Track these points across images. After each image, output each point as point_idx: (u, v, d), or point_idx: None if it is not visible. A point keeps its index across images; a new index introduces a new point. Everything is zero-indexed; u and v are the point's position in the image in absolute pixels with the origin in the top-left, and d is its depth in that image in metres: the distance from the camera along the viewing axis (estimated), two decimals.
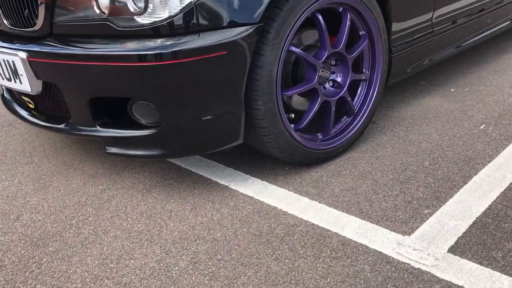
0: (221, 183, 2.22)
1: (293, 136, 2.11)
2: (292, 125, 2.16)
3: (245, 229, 1.89)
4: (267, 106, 1.97)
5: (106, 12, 1.86)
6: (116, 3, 1.85)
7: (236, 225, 1.91)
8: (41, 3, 1.99)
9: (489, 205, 1.90)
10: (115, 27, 1.84)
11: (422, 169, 2.19)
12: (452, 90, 2.99)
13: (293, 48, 2.03)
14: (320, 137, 2.29)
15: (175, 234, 1.89)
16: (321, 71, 2.17)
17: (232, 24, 1.81)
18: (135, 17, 1.83)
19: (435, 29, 2.69)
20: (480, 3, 2.98)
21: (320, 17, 2.05)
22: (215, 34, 1.80)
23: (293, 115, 2.16)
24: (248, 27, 1.82)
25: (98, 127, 2.03)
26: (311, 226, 1.87)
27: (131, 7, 1.82)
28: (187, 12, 1.78)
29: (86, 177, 2.36)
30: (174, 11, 1.79)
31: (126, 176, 2.34)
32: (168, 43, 1.78)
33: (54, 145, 2.71)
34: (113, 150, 2.05)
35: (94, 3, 1.88)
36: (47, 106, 2.26)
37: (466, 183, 2.06)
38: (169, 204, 2.09)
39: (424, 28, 2.61)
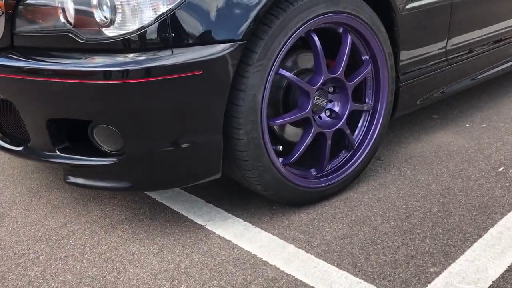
0: (198, 222, 1.94)
1: (280, 172, 1.83)
2: (281, 159, 1.88)
3: (215, 282, 1.59)
4: (250, 136, 1.70)
5: (72, 22, 1.63)
6: (82, 13, 1.62)
7: (206, 276, 1.62)
8: (2, 12, 1.77)
9: (508, 266, 1.59)
10: (79, 39, 1.61)
11: (430, 216, 1.88)
12: (467, 126, 2.70)
13: (283, 71, 1.77)
14: (314, 173, 2.01)
15: (133, 283, 1.61)
16: (316, 99, 1.91)
17: (210, 41, 1.56)
18: (103, 29, 1.60)
19: (449, 57, 2.42)
20: (500, 32, 2.71)
21: (315, 38, 1.80)
22: (190, 51, 1.55)
23: (281, 147, 1.89)
24: (229, 44, 1.57)
25: (57, 152, 1.78)
26: (293, 282, 1.57)
27: (98, 17, 1.59)
28: (159, 25, 1.54)
29: (49, 207, 2.10)
30: (144, 24, 1.55)
31: (93, 208, 2.08)
32: (136, 59, 1.54)
33: (25, 168, 2.47)
34: (72, 179, 1.79)
35: (60, 12, 1.66)
36: (8, 126, 2.03)
37: (481, 236, 1.75)
38: (133, 245, 1.81)
39: (437, 56, 2.35)
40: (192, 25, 1.56)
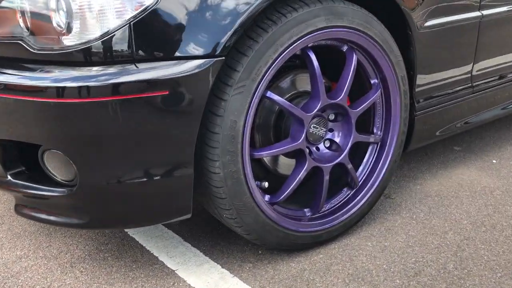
0: (168, 265, 1.66)
1: (265, 213, 1.54)
2: (267, 197, 1.60)
3: None
4: (227, 170, 1.43)
5: (29, 27, 1.40)
6: (38, 17, 1.38)
7: None
8: None
9: None
10: (31, 49, 1.37)
11: (444, 274, 1.57)
12: (494, 161, 2.37)
13: (271, 95, 1.49)
14: (308, 214, 1.71)
15: None
16: (313, 127, 1.62)
17: (181, 55, 1.30)
18: (61, 37, 1.36)
19: (475, 84, 2.11)
20: None
21: (312, 56, 1.52)
22: (155, 67, 1.29)
23: (266, 183, 1.60)
24: (204, 61, 1.30)
25: (9, 177, 1.54)
26: None
27: (55, 23, 1.35)
28: (119, 35, 1.28)
29: (9, 236, 1.86)
30: (102, 33, 1.30)
31: (56, 239, 1.82)
32: (92, 74, 1.29)
33: None
34: (23, 210, 1.54)
35: (18, 16, 1.43)
36: None
37: None
38: None
39: (460, 81, 2.04)
40: (159, 36, 1.30)
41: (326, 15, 1.48)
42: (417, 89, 1.88)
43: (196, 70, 1.30)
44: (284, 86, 1.67)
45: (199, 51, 1.30)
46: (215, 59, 1.31)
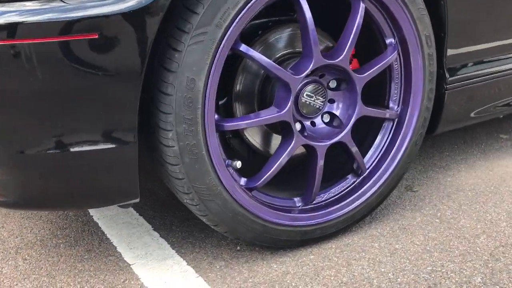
0: (125, 258, 1.37)
1: (237, 199, 1.22)
2: (243, 180, 1.28)
3: None
4: (184, 143, 1.12)
5: None
6: None
7: None
8: None
9: None
10: None
11: None
12: None
13: (246, 48, 1.16)
14: (299, 204, 1.38)
15: None
16: (307, 96, 1.29)
17: None
18: None
19: None
20: None
21: (301, 0, 1.18)
22: (80, 3, 1.00)
23: (239, 163, 1.28)
24: None
25: None
26: None
27: None
28: None
29: None
30: None
31: (12, 221, 1.58)
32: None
33: None
34: None
35: None
36: None
37: None
38: (24, 283, 1.29)
39: (507, 48, 1.63)
40: None
41: None
42: (448, 55, 1.50)
43: (138, 6, 0.99)
44: (273, 42, 1.34)
45: None
46: None
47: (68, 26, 0.97)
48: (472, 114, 1.65)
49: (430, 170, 1.85)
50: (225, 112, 1.36)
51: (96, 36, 0.98)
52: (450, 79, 1.53)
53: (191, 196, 1.18)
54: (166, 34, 1.07)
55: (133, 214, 1.61)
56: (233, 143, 1.40)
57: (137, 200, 1.15)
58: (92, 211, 1.63)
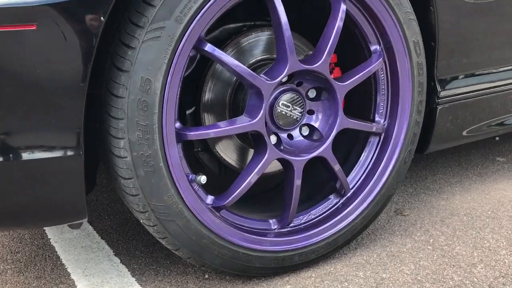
0: (78, 287, 1.22)
1: (201, 220, 1.08)
2: (210, 198, 1.14)
3: None
4: (138, 153, 0.98)
5: None
6: None
7: None
8: None
9: None
10: None
11: None
12: None
13: (210, 47, 1.03)
14: (275, 227, 1.24)
15: None
16: (283, 105, 1.16)
17: None
18: None
19: None
20: None
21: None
22: None
23: (203, 177, 1.13)
24: None
25: None
26: None
27: None
28: None
29: None
30: None
31: None
32: None
33: None
34: None
35: None
36: None
37: None
38: None
39: (503, 61, 1.52)
40: None
41: None
42: (439, 65, 1.38)
43: None
44: (248, 47, 1.22)
45: None
46: None
47: (1, 15, 0.85)
48: (464, 133, 1.52)
49: (422, 193, 1.71)
50: (194, 123, 1.22)
51: (34, 27, 0.86)
52: (442, 92, 1.42)
53: (148, 215, 1.03)
54: (118, 28, 0.95)
55: (94, 237, 1.46)
56: (203, 158, 1.26)
57: (85, 219, 1.00)
58: (49, 234, 1.48)
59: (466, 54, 1.44)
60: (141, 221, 1.07)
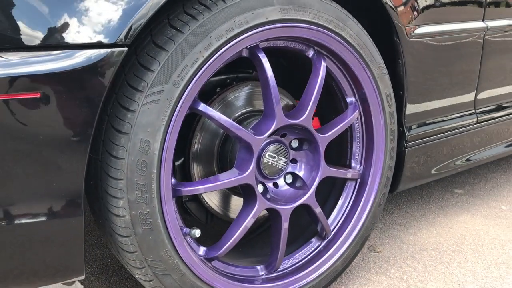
0: None
1: (196, 273, 1.11)
2: (203, 249, 1.17)
3: None
4: (136, 212, 1.01)
5: None
6: None
7: None
8: None
9: None
10: None
11: None
12: (503, 208, 1.95)
13: (206, 108, 1.09)
14: (262, 273, 1.28)
15: None
16: (269, 156, 1.22)
17: (59, 43, 0.91)
18: None
19: (479, 111, 1.73)
20: None
21: (263, 58, 1.13)
22: (21, 59, 0.90)
23: (198, 231, 1.17)
24: (96, 52, 0.91)
25: None
26: None
27: None
28: None
29: None
30: None
31: None
32: None
33: None
34: None
35: None
36: None
37: None
38: None
39: (461, 106, 1.66)
40: (27, 15, 0.91)
41: (281, 4, 1.10)
42: (407, 113, 1.49)
43: (84, 64, 0.90)
44: (233, 101, 1.28)
45: (86, 38, 0.91)
46: (114, 50, 0.92)
47: (7, 83, 0.87)
48: (433, 171, 1.64)
49: (392, 228, 1.81)
50: (182, 173, 1.26)
51: (38, 95, 0.88)
52: (409, 136, 1.52)
53: (144, 271, 1.06)
54: (118, 92, 0.98)
55: (76, 286, 1.45)
56: (190, 207, 1.30)
57: (82, 277, 1.01)
58: None
59: (432, 101, 1.56)
60: (137, 276, 1.08)
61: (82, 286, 1.45)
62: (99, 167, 1.01)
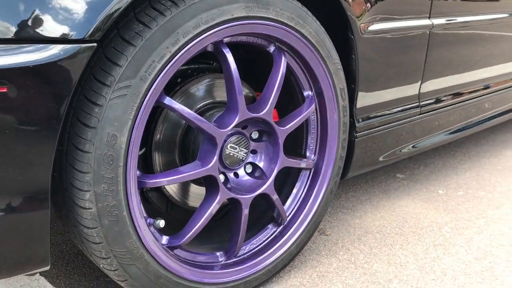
0: None
1: (160, 261, 1.15)
2: (165, 239, 1.21)
3: None
4: (103, 204, 1.03)
5: None
6: None
7: None
8: None
9: None
10: None
11: None
12: (440, 192, 2.11)
13: (172, 102, 1.11)
14: (222, 259, 1.33)
15: None
16: (231, 147, 1.27)
17: (28, 37, 0.90)
18: None
19: (423, 103, 1.85)
20: (487, 79, 2.17)
21: (227, 54, 1.16)
22: None
23: (162, 222, 1.21)
24: (63, 47, 0.91)
25: None
26: None
27: None
28: None
29: None
30: None
31: None
32: None
33: None
34: None
35: None
36: None
37: None
38: None
39: (407, 99, 1.77)
40: None
41: (246, 1, 1.13)
42: (358, 106, 1.58)
43: (52, 59, 0.89)
44: (194, 92, 1.30)
45: (55, 32, 0.90)
46: (82, 45, 0.92)
47: None
48: (380, 158, 1.74)
49: (339, 212, 1.91)
50: (144, 164, 1.28)
51: (5, 90, 0.87)
52: (359, 127, 1.61)
53: (109, 261, 1.08)
54: (83, 86, 0.98)
55: (31, 275, 1.44)
56: (151, 197, 1.32)
57: (48, 267, 1.02)
58: None
59: (380, 95, 1.65)
60: (101, 266, 1.10)
61: (38, 273, 1.44)
62: (63, 159, 1.02)
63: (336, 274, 1.50)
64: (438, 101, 1.94)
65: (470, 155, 2.55)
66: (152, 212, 1.30)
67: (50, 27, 0.89)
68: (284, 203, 1.47)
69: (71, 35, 0.90)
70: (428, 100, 1.87)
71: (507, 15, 2.13)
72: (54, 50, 0.89)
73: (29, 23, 0.88)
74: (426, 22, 1.71)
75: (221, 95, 1.36)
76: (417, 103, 1.82)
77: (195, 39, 1.07)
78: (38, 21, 0.89)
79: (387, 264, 1.56)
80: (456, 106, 2.05)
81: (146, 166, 1.28)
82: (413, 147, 1.88)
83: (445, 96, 1.96)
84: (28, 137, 0.91)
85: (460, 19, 1.84)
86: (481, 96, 2.19)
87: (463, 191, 2.12)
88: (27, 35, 0.88)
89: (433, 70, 1.81)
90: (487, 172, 2.34)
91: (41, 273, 1.44)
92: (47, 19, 0.89)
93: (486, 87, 2.22)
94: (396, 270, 1.53)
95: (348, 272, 1.51)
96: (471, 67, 2.04)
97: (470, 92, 2.11)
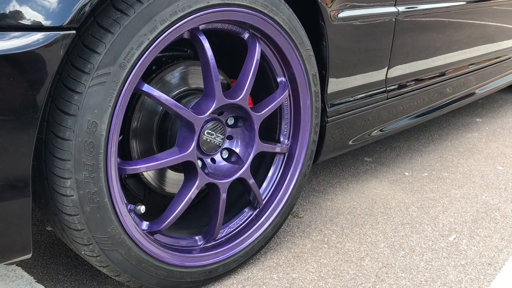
0: None
1: (141, 246, 1.17)
2: (145, 224, 1.23)
3: None
4: (84, 191, 1.03)
5: None
6: None
7: None
8: None
9: None
10: None
11: None
12: (406, 174, 2.20)
13: (150, 89, 1.13)
14: (201, 243, 1.36)
15: None
16: (207, 134, 1.29)
17: (2, 24, 0.89)
18: None
19: (389, 88, 1.91)
20: (451, 64, 2.26)
21: (204, 40, 1.18)
22: None
23: (143, 207, 1.23)
24: (41, 35, 0.91)
25: None
26: None
27: None
28: None
29: None
30: None
31: None
32: None
33: None
34: None
35: None
36: None
37: None
38: None
39: (374, 85, 1.83)
40: None
41: None
42: (329, 91, 1.62)
43: (29, 48, 0.89)
44: (170, 80, 1.31)
45: (33, 20, 0.90)
46: (60, 32, 0.92)
47: None
48: (350, 142, 1.80)
49: (311, 195, 1.97)
50: (121, 151, 1.28)
51: None
52: (330, 112, 1.66)
53: (91, 248, 1.09)
54: (61, 73, 0.98)
55: (9, 266, 1.43)
56: (129, 183, 1.33)
57: (29, 255, 1.03)
58: None
59: (349, 80, 1.70)
60: (83, 252, 1.11)
61: (14, 264, 1.43)
62: (42, 147, 1.02)
63: (310, 254, 1.55)
64: (403, 86, 2.01)
65: (433, 138, 2.65)
66: (130, 199, 1.31)
67: (28, 15, 0.89)
68: (259, 186, 1.50)
69: (50, 23, 0.90)
70: (395, 85, 1.93)
71: (463, 2, 2.23)
72: (33, 38, 0.88)
73: (6, 11, 0.87)
74: (392, 9, 1.76)
75: (196, 82, 1.37)
76: (384, 88, 1.88)
77: (172, 26, 1.08)
78: (15, 9, 0.88)
79: (358, 243, 1.62)
80: (420, 91, 2.13)
81: (124, 153, 1.29)
82: (380, 131, 1.95)
83: (410, 81, 2.04)
84: (7, 125, 0.90)
85: (422, 7, 1.91)
86: (443, 81, 2.28)
87: (427, 172, 2.22)
88: (4, 23, 0.87)
89: (399, 56, 1.88)
90: (449, 154, 2.44)
91: (18, 263, 1.43)
92: (24, 6, 0.89)
93: (448, 73, 2.31)
94: (367, 248, 1.60)
95: (322, 252, 1.56)
96: (433, 53, 2.13)
97: (433, 78, 2.20)
